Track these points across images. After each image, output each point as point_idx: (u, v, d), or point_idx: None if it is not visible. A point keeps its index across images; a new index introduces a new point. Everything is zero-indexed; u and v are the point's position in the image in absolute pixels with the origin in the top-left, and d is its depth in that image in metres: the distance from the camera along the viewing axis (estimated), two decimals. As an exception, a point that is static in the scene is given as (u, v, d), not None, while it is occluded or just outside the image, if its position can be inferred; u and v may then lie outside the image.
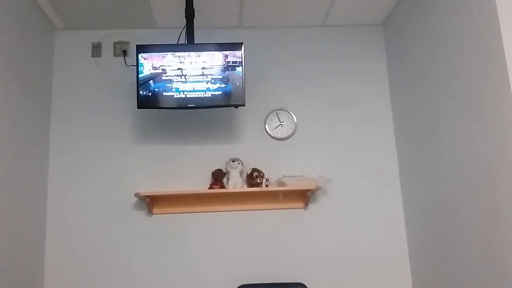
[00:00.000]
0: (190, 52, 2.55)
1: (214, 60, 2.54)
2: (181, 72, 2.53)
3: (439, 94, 2.31)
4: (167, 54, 2.55)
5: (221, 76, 2.53)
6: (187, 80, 2.53)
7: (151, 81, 2.52)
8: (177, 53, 2.55)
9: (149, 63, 2.53)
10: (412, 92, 2.64)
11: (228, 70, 2.54)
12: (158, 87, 2.53)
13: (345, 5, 2.78)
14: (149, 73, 2.53)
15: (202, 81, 2.53)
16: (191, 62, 2.54)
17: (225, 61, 2.54)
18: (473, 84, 2.00)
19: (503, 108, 1.79)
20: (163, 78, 2.53)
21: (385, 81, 2.99)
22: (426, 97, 2.46)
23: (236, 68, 2.54)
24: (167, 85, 2.53)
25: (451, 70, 2.19)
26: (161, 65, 2.54)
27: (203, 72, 2.53)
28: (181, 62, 2.54)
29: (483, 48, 1.92)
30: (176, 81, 2.53)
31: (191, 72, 2.53)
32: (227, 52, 2.55)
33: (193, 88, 2.53)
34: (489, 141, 1.89)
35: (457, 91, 2.14)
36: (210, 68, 2.53)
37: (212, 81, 2.53)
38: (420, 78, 2.53)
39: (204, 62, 2.54)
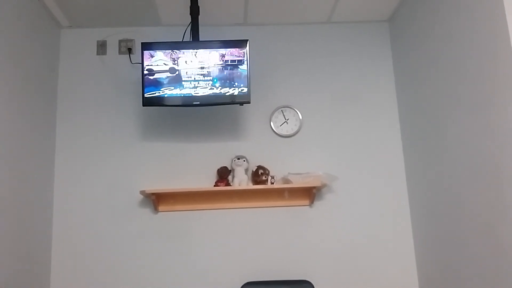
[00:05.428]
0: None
1: (211, 59, 2.48)
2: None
3: (446, 91, 2.30)
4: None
5: (221, 75, 2.48)
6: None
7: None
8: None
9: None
10: (418, 89, 2.63)
11: (228, 69, 2.49)
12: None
13: (351, 1, 2.76)
14: None
15: (201, 81, 2.46)
16: (186, 62, 2.46)
17: (222, 60, 2.50)
18: (480, 81, 1.98)
19: (510, 105, 1.78)
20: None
21: (391, 77, 2.98)
22: (433, 94, 2.45)
23: (240, 66, 2.52)
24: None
25: (457, 66, 2.17)
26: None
27: (203, 72, 2.47)
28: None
29: (489, 44, 1.90)
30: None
31: (189, 73, 2.47)
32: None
33: (192, 89, 2.46)
34: (496, 138, 1.88)
35: (463, 88, 2.12)
36: (208, 67, 2.47)
37: (211, 83, 2.47)
38: (426, 74, 2.51)
39: (201, 62, 2.47)
